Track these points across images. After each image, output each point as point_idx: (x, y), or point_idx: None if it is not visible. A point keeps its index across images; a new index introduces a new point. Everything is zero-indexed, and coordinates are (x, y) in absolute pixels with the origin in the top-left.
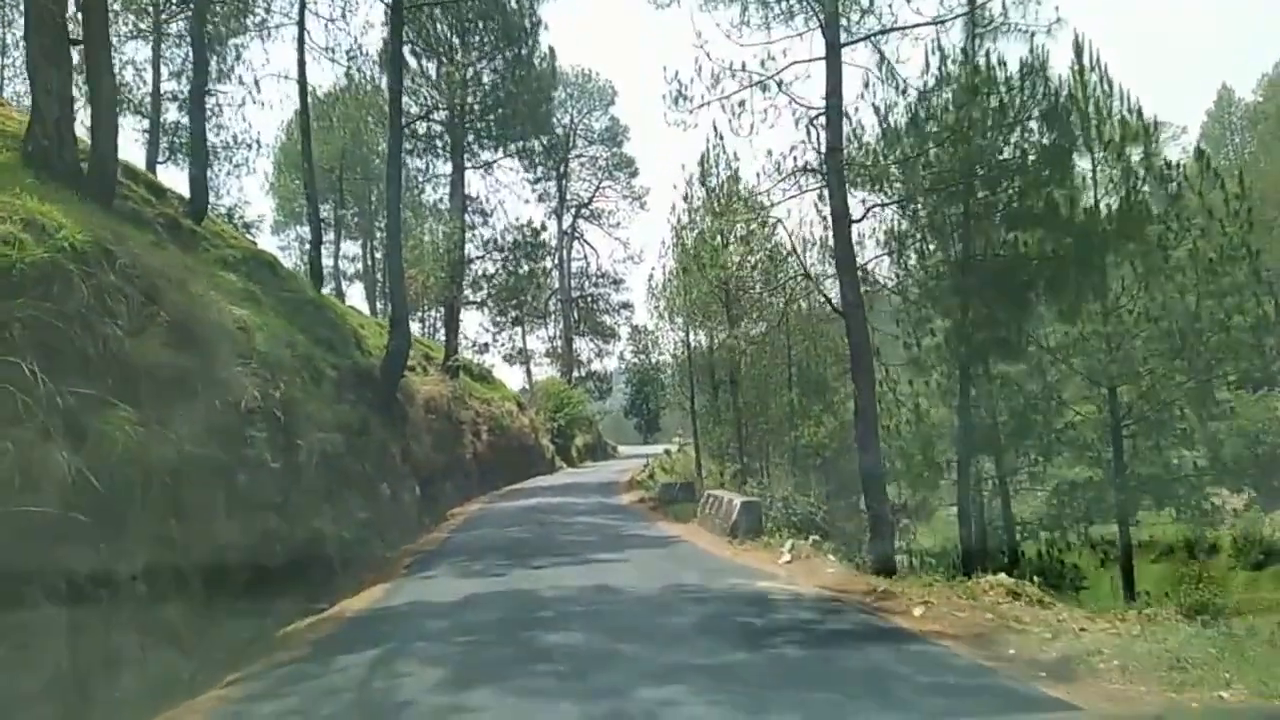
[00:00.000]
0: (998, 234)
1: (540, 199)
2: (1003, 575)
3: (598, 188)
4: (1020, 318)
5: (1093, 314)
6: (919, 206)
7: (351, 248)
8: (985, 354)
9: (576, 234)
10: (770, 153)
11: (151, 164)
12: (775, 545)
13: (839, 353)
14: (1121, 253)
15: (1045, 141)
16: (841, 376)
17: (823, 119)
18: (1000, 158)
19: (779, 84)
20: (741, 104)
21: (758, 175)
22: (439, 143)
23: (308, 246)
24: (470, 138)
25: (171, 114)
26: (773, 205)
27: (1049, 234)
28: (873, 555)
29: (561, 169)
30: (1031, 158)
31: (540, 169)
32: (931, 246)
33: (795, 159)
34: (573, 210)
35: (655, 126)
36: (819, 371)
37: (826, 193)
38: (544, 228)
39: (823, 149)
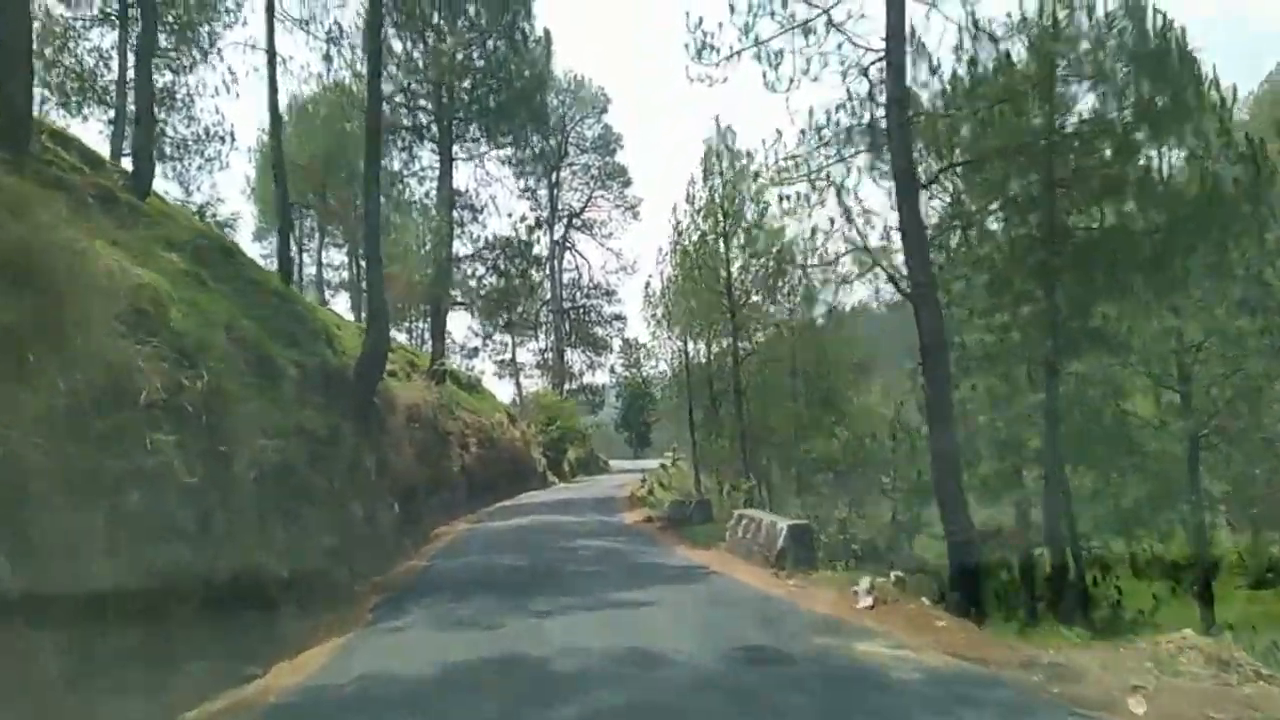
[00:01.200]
0: (1078, 205)
1: (531, 209)
2: (1189, 631)
3: (590, 197)
4: (1118, 303)
5: (1160, 309)
6: (989, 175)
7: (337, 256)
8: (1075, 347)
9: (568, 244)
10: (811, 112)
11: (117, 154)
12: (839, 581)
13: (850, 362)
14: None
15: (1144, 95)
16: (855, 385)
17: (880, 66)
18: (1087, 116)
19: (830, 23)
20: (780, 53)
21: (803, 133)
22: (425, 134)
23: (292, 251)
24: (459, 128)
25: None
26: (816, 173)
27: (1144, 207)
28: (959, 592)
29: (553, 177)
30: (1124, 116)
31: (532, 168)
32: (998, 224)
33: (839, 121)
34: (564, 220)
35: (649, 135)
36: (831, 380)
37: (877, 158)
38: (539, 224)
39: (882, 101)
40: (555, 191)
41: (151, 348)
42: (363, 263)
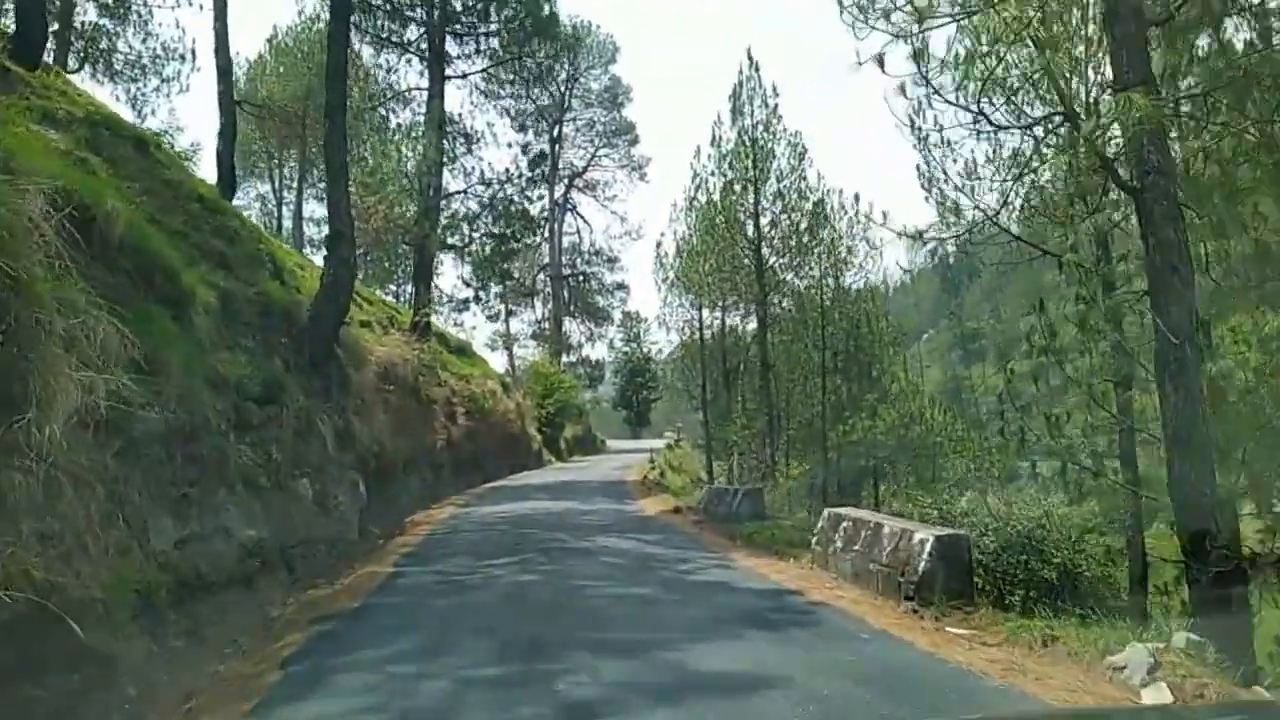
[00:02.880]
0: None
1: (534, 140)
2: None
3: (593, 155)
4: None
5: None
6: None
7: (318, 210)
8: None
9: (569, 205)
10: None
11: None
12: (1050, 635)
13: (890, 334)
14: None
15: None
16: (897, 359)
17: None
18: None
19: None
20: None
21: None
22: (413, 49)
23: (271, 203)
24: (453, 42)
25: (91, 14)
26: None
27: None
28: (1223, 654)
29: (555, 132)
30: None
31: (532, 121)
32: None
33: None
34: (566, 179)
35: (659, 89)
36: (871, 352)
37: None
38: (543, 156)
39: None
40: (556, 148)
41: None
42: (351, 214)
